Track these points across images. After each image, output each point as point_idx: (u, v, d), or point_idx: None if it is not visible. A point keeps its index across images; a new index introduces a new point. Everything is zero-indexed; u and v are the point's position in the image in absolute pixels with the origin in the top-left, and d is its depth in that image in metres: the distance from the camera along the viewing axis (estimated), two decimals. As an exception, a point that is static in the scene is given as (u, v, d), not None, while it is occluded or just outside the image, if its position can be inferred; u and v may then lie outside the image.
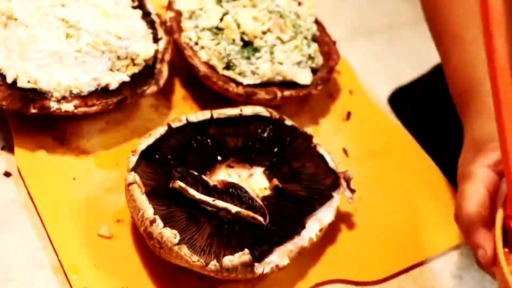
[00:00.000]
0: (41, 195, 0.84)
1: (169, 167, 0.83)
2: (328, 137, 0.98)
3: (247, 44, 0.95)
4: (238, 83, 0.93)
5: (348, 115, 1.02)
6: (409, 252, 0.88)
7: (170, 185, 0.79)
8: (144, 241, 0.77)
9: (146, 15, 0.96)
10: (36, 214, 0.83)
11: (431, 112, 1.21)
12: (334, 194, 0.83)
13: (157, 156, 0.83)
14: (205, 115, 0.87)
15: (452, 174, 0.96)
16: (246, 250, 0.74)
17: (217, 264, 0.72)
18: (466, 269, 0.89)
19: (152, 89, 0.90)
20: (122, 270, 0.79)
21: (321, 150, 0.87)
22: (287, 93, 0.94)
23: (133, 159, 0.80)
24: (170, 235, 0.73)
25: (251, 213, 0.78)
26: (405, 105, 1.28)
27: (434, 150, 1.02)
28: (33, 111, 0.84)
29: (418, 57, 1.17)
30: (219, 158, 0.85)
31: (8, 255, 0.79)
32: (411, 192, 0.94)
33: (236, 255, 0.73)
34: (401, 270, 0.87)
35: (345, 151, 0.97)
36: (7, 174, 0.86)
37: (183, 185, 0.78)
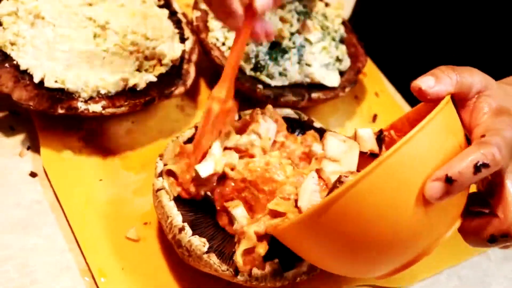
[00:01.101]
0: (67, 196, 0.83)
1: (196, 170, 0.82)
2: (355, 140, 0.97)
3: (275, 45, 0.94)
4: (265, 85, 0.92)
5: (374, 117, 1.01)
6: (438, 259, 0.87)
7: None
8: (171, 245, 0.77)
9: (172, 14, 0.96)
10: (63, 216, 0.82)
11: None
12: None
13: (184, 160, 0.82)
14: (232, 117, 0.86)
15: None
16: (276, 260, 0.73)
17: (246, 273, 0.72)
18: (493, 275, 0.89)
19: (179, 90, 0.89)
20: (149, 275, 0.79)
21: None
22: (314, 95, 0.93)
23: (161, 164, 0.79)
24: (199, 243, 0.72)
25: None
26: None
27: None
28: (61, 111, 0.83)
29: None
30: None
31: (34, 258, 0.78)
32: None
33: (266, 264, 0.73)
34: (431, 275, 0.86)
35: (371, 155, 0.96)
36: (33, 175, 0.85)
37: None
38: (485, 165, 0.60)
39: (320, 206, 0.61)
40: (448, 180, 0.59)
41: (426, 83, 0.65)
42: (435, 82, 0.65)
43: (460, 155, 0.61)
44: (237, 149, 0.79)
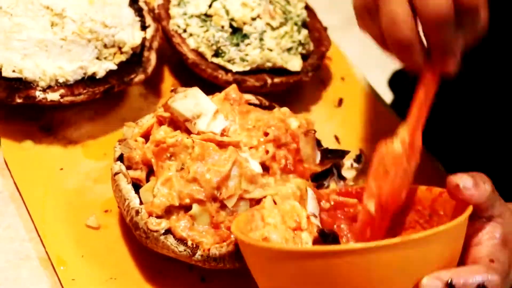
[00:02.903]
0: (28, 186, 0.83)
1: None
2: (320, 124, 0.96)
3: (236, 30, 0.93)
4: (227, 71, 0.92)
5: (340, 101, 1.01)
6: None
7: None
8: (131, 231, 0.76)
9: (134, 2, 0.95)
10: (23, 206, 0.82)
11: None
12: (325, 182, 0.82)
13: (144, 145, 0.82)
14: (194, 103, 0.86)
15: (445, 159, 0.95)
16: (235, 240, 0.73)
17: (204, 253, 0.71)
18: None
19: (140, 77, 0.89)
20: (110, 261, 0.78)
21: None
22: (277, 80, 0.93)
23: (119, 149, 0.78)
24: (156, 225, 0.72)
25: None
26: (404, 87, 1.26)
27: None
28: (19, 101, 0.83)
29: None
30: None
31: (-6, 247, 0.78)
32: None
33: (224, 244, 0.72)
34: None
35: (336, 138, 0.95)
36: (-7, 165, 0.85)
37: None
38: None
39: (308, 251, 0.62)
40: (450, 286, 0.61)
41: (464, 183, 0.66)
42: (473, 186, 0.66)
43: (469, 269, 0.64)
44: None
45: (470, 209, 0.66)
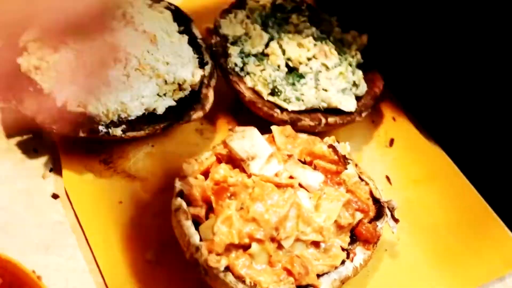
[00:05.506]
0: (88, 218, 0.85)
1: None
2: (371, 164, 0.98)
3: (292, 70, 0.95)
4: (282, 109, 0.94)
5: (391, 142, 1.02)
6: (452, 283, 0.88)
7: None
8: (190, 266, 0.78)
9: (192, 40, 0.98)
10: (83, 237, 0.84)
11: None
12: (378, 223, 0.83)
13: (202, 181, 0.84)
14: (249, 140, 0.88)
15: (496, 202, 0.96)
16: (291, 279, 0.74)
17: (259, 292, 0.73)
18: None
19: (198, 114, 0.91)
20: (167, 295, 0.80)
21: (365, 178, 0.87)
22: (331, 119, 0.94)
23: (179, 184, 0.80)
24: (215, 262, 0.73)
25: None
26: None
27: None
28: (82, 134, 0.85)
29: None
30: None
31: (55, 277, 0.80)
32: (455, 221, 0.94)
33: (281, 283, 0.74)
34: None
35: (388, 179, 0.97)
36: (55, 196, 0.87)
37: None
38: None
39: None
40: None
41: None
42: None
43: None
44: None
45: None
